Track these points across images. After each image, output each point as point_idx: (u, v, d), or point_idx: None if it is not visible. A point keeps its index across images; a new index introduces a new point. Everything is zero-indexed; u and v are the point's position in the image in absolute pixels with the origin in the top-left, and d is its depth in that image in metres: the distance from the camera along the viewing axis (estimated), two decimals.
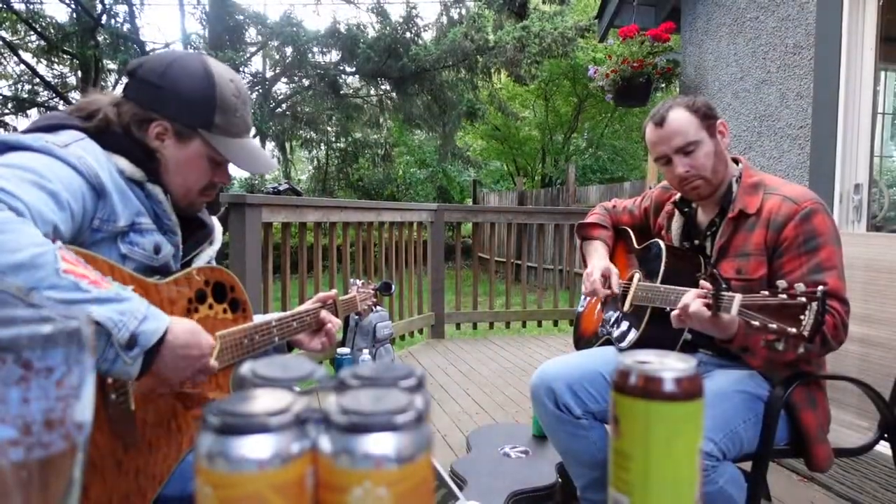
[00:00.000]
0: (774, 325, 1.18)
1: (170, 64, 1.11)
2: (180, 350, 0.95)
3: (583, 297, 2.04)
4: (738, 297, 1.25)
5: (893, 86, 4.83)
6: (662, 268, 1.61)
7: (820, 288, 1.15)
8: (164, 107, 1.11)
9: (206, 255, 1.28)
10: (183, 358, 0.96)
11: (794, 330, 1.16)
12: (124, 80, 1.18)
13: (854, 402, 1.73)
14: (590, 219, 1.96)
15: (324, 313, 1.39)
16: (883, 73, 4.25)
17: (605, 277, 1.73)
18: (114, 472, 0.99)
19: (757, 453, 1.45)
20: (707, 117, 1.55)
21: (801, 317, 1.15)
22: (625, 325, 1.71)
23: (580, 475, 1.68)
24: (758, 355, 1.41)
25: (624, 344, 1.66)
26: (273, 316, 1.29)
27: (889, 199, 4.14)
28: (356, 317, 3.74)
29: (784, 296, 1.18)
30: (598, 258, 1.81)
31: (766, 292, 1.21)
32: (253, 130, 1.26)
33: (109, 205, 1.02)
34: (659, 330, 1.57)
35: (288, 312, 1.32)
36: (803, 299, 1.15)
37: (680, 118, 1.53)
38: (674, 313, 1.37)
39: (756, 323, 1.21)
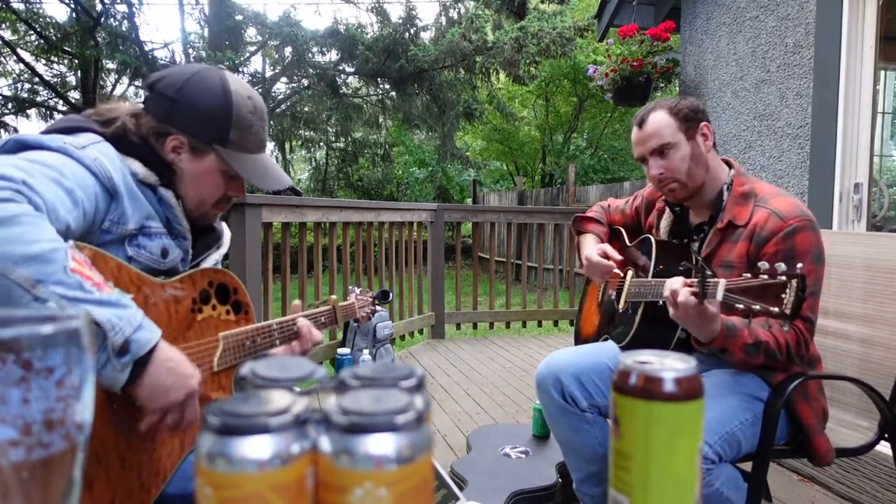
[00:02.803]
0: (758, 306, 1.20)
1: (188, 79, 1.13)
2: (168, 364, 0.95)
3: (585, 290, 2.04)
4: (722, 282, 1.26)
5: (893, 85, 4.84)
6: (653, 262, 1.61)
7: (799, 265, 1.17)
8: (180, 121, 1.12)
9: (213, 260, 1.29)
10: (171, 372, 0.95)
11: (776, 309, 1.17)
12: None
13: (854, 402, 1.73)
14: (587, 214, 1.98)
15: (302, 320, 1.32)
16: (883, 73, 4.26)
17: (605, 255, 1.73)
18: (117, 468, 0.99)
19: (757, 454, 1.45)
20: (688, 120, 1.55)
21: (783, 295, 1.17)
22: (621, 322, 1.71)
23: (578, 468, 1.68)
24: (735, 357, 1.41)
25: (620, 342, 1.67)
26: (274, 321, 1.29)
27: (889, 199, 4.14)
28: (355, 323, 3.75)
29: (765, 276, 1.19)
30: (591, 247, 1.82)
31: (749, 274, 1.22)
32: (268, 144, 1.26)
33: (120, 207, 1.04)
34: (653, 328, 1.57)
35: (289, 316, 1.32)
36: (783, 278, 1.17)
37: (658, 120, 1.55)
38: (665, 294, 1.36)
39: (741, 306, 1.22)
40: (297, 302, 1.39)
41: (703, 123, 1.57)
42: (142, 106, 1.15)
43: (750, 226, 1.48)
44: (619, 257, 1.73)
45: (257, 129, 1.18)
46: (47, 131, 1.08)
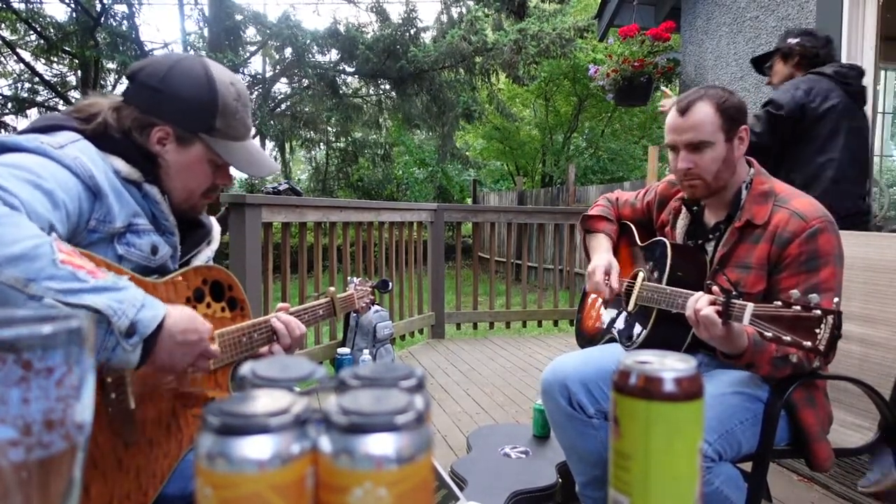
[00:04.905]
0: (788, 338, 1.16)
1: (170, 68, 1.11)
2: (179, 336, 0.95)
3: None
4: (749, 306, 1.23)
5: (893, 85, 4.83)
6: (668, 268, 1.58)
7: (836, 300, 1.14)
8: (165, 111, 1.10)
9: (204, 256, 1.27)
10: (182, 344, 0.96)
11: (809, 343, 1.14)
12: (123, 82, 1.17)
13: (854, 402, 1.73)
14: (594, 211, 1.92)
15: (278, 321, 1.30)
16: (883, 73, 4.25)
17: (608, 275, 1.69)
18: (114, 471, 0.99)
19: (757, 454, 1.45)
20: (732, 120, 1.49)
21: (817, 330, 1.13)
22: (630, 324, 1.70)
23: (582, 472, 1.68)
24: (761, 371, 1.40)
25: (630, 343, 1.65)
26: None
27: (889, 199, 4.14)
28: (355, 314, 3.75)
29: (798, 307, 1.15)
30: (601, 253, 1.78)
31: (779, 302, 1.19)
32: (253, 131, 1.23)
33: (105, 205, 1.02)
34: (666, 330, 1.55)
35: (270, 315, 1.29)
36: (818, 312, 1.13)
37: (703, 114, 1.48)
38: (687, 314, 1.35)
39: (769, 334, 1.19)
40: (283, 304, 1.37)
41: (743, 127, 1.51)
42: (122, 99, 1.13)
43: (770, 227, 1.45)
44: (617, 289, 1.69)
45: (242, 115, 1.17)
46: (25, 131, 1.06)
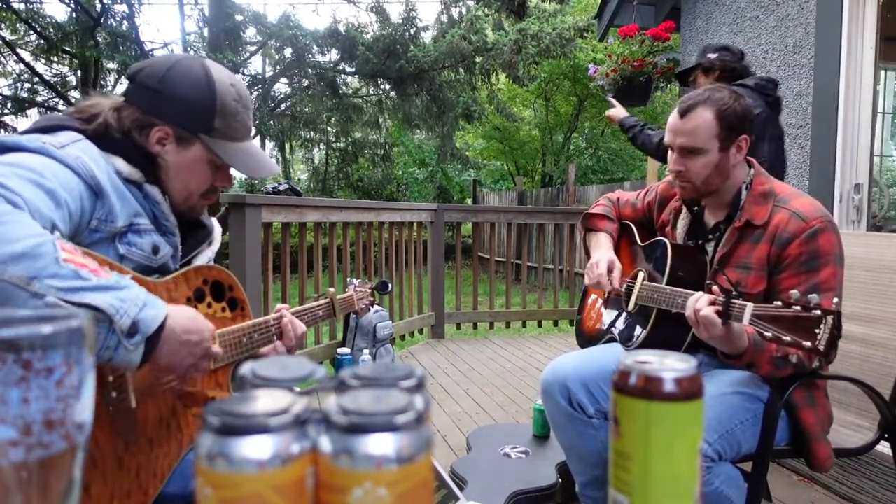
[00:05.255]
0: (788, 338, 1.16)
1: (170, 68, 1.11)
2: (181, 336, 0.95)
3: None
4: (749, 306, 1.23)
5: (893, 85, 4.83)
6: (668, 268, 1.58)
7: (835, 301, 1.15)
8: (165, 112, 1.10)
9: (205, 256, 1.27)
10: (184, 344, 0.96)
11: (808, 343, 1.14)
12: (123, 82, 1.16)
13: (854, 402, 1.73)
14: (595, 209, 1.91)
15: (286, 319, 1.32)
16: (883, 73, 4.25)
17: (610, 271, 1.69)
18: (115, 470, 0.99)
19: (757, 454, 1.45)
20: (731, 129, 1.48)
21: (817, 330, 1.13)
22: (630, 324, 1.70)
23: (582, 472, 1.68)
24: (762, 370, 1.40)
25: (630, 343, 1.65)
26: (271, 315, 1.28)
27: (889, 199, 4.14)
28: (354, 316, 3.76)
29: (798, 307, 1.16)
30: (602, 250, 1.77)
31: (779, 303, 1.19)
32: (253, 131, 1.22)
33: (107, 205, 1.02)
34: (665, 330, 1.55)
35: (274, 314, 1.30)
36: (818, 312, 1.13)
37: (700, 119, 1.48)
38: (687, 314, 1.35)
39: (769, 334, 1.19)
40: (282, 305, 1.37)
41: (743, 136, 1.50)
42: (123, 99, 1.13)
43: (770, 227, 1.45)
44: (618, 288, 1.68)
45: (242, 116, 1.17)
46: (26, 131, 1.06)
